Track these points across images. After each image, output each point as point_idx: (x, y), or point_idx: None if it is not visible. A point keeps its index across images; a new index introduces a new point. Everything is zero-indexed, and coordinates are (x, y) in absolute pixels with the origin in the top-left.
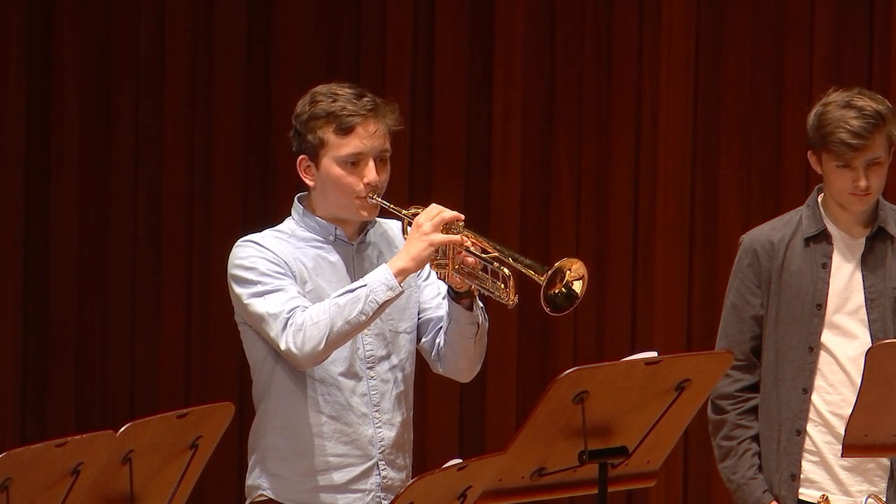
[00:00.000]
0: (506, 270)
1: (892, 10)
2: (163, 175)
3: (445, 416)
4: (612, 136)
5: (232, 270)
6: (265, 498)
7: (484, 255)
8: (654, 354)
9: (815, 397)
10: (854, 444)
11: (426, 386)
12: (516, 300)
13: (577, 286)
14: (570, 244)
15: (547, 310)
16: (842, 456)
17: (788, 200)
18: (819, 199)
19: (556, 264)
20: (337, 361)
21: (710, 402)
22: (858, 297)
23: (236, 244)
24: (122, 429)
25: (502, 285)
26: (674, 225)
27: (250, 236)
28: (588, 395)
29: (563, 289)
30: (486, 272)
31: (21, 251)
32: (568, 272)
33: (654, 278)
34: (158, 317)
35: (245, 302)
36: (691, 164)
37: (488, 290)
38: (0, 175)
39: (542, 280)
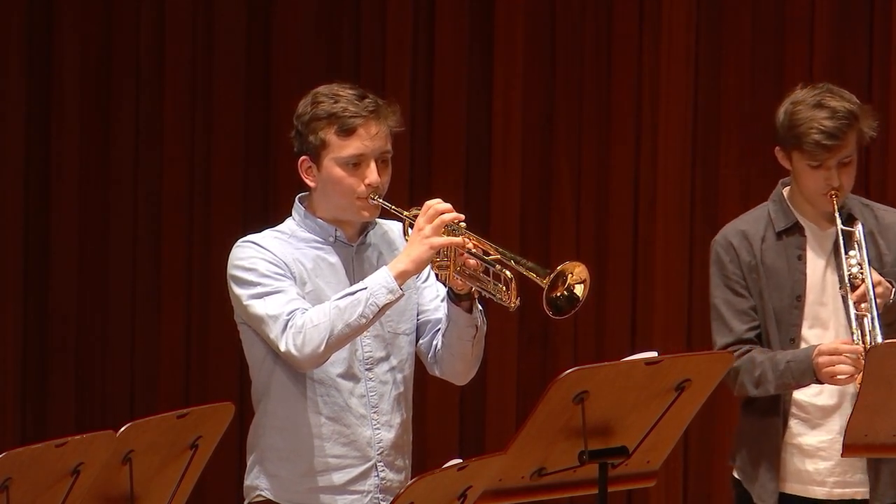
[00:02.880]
0: (507, 273)
1: (892, 10)
2: (163, 175)
3: (445, 417)
4: (612, 136)
5: (231, 271)
6: (263, 498)
7: (486, 258)
8: (654, 354)
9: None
10: (854, 444)
11: (426, 386)
12: (518, 302)
13: (579, 290)
14: (570, 244)
15: (549, 313)
16: (842, 455)
17: None
18: (784, 193)
19: (559, 268)
20: (336, 363)
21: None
22: (834, 287)
23: (236, 244)
24: (122, 429)
25: (504, 287)
26: (674, 225)
27: (250, 237)
28: (588, 395)
29: (565, 292)
30: (488, 274)
31: (21, 251)
32: (570, 275)
33: (654, 278)
34: (158, 317)
35: (245, 303)
36: (691, 164)
37: (490, 293)
38: (0, 175)
39: (544, 283)
